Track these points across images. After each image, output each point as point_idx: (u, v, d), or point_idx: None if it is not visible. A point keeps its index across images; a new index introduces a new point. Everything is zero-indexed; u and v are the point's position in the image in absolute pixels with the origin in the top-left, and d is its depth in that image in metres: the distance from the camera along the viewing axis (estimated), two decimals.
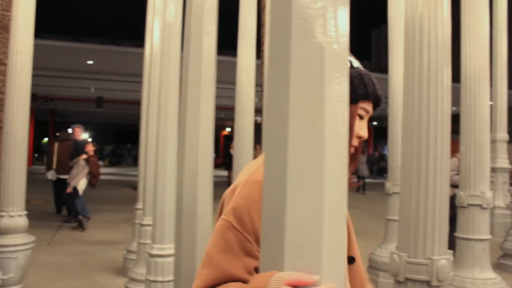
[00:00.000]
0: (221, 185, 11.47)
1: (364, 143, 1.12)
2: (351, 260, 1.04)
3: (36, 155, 31.36)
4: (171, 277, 2.52)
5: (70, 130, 8.64)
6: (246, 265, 0.83)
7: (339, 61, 0.66)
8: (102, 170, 13.02)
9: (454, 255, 2.49)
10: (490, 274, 3.93)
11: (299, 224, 0.64)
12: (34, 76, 3.78)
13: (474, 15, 4.05)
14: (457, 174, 4.80)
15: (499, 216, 7.39)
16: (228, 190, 0.96)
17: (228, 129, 31.27)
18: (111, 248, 5.97)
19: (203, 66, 1.70)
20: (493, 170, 7.01)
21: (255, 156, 1.95)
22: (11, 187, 3.52)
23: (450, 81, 2.42)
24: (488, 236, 3.97)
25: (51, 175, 8.19)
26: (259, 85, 4.19)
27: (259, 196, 0.84)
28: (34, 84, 3.95)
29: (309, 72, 0.65)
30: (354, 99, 0.95)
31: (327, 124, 0.64)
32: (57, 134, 9.43)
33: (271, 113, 0.68)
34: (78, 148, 7.78)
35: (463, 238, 3.96)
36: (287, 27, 0.65)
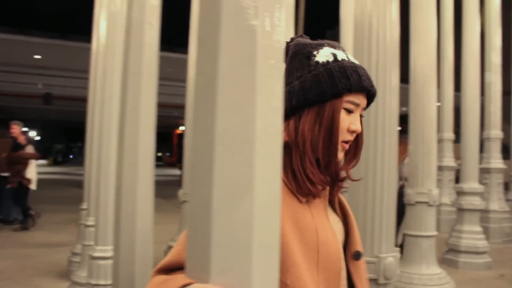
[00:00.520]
0: (174, 185, 11.29)
1: None
2: (357, 255, 1.01)
3: None
4: None
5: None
6: None
7: (273, 48, 0.60)
8: (49, 169, 12.50)
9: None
10: (436, 269, 4.05)
11: (227, 227, 0.58)
12: None
13: (422, 17, 4.15)
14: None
15: (445, 213, 7.67)
16: None
17: (182, 128, 30.93)
18: (56, 251, 5.69)
19: (145, 59, 1.62)
20: (440, 168, 7.27)
21: None
22: None
23: (398, 81, 2.44)
24: (434, 233, 4.08)
25: None
26: None
27: None
28: None
29: (240, 56, 0.59)
30: (336, 93, 0.92)
31: (259, 115, 0.59)
32: None
33: (198, 103, 0.61)
34: (18, 145, 7.48)
35: (411, 235, 4.06)
36: (217, 12, 0.59)
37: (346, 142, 0.95)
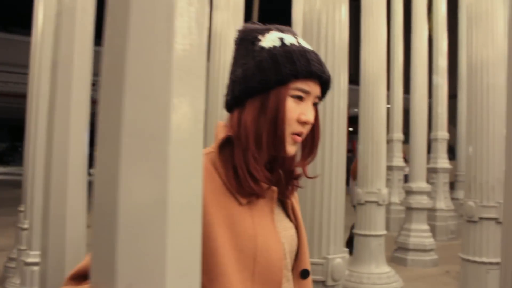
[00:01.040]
0: None
1: None
2: (304, 274, 0.91)
3: None
4: None
5: None
6: None
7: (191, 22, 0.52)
8: None
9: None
10: (385, 268, 4.11)
11: (135, 235, 0.50)
12: None
13: (373, 20, 4.20)
14: None
15: (394, 211, 7.86)
16: None
17: None
18: None
19: (76, 47, 1.49)
20: (390, 168, 7.45)
21: None
22: None
23: (347, 83, 2.42)
24: (384, 232, 4.14)
25: None
26: None
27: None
28: None
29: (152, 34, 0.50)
30: (280, 79, 0.82)
31: (174, 105, 0.50)
32: None
33: (104, 87, 0.52)
34: None
35: (361, 235, 4.10)
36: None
37: (298, 134, 0.86)
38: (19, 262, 3.37)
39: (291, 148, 0.86)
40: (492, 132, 2.96)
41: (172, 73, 0.50)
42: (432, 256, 5.68)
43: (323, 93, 0.91)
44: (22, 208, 3.98)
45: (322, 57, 2.31)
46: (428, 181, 6.35)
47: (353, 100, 4.78)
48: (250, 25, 0.92)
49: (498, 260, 3.00)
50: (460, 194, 8.56)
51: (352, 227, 4.96)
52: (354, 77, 6.41)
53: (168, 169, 0.50)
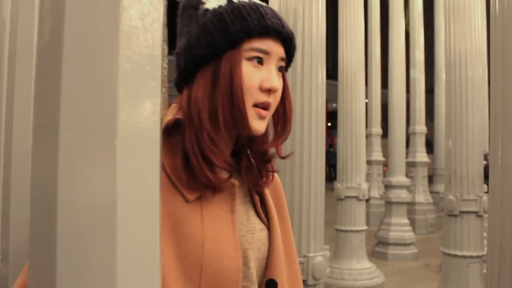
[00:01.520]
0: None
1: None
2: (269, 285, 0.76)
3: None
4: None
5: None
6: None
7: None
8: None
9: None
10: (366, 263, 4.09)
11: (78, 249, 0.42)
12: None
13: (351, 14, 4.17)
14: None
15: (374, 206, 7.90)
16: None
17: None
18: None
19: (20, 38, 1.39)
20: (369, 162, 7.47)
21: None
22: None
23: (325, 78, 2.37)
24: (364, 227, 4.12)
25: None
26: None
27: None
28: None
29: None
30: (230, 40, 0.69)
31: (122, 91, 0.42)
32: None
33: (39, 69, 0.44)
34: None
35: (341, 230, 4.07)
36: None
37: (263, 105, 0.72)
38: None
39: (257, 124, 0.72)
40: (471, 125, 2.96)
41: (119, 52, 0.41)
42: (412, 250, 5.71)
43: (288, 55, 0.77)
44: None
45: (299, 51, 2.25)
46: (406, 175, 6.39)
47: (332, 95, 4.75)
48: None
49: (478, 253, 3.01)
50: (438, 187, 8.65)
51: None
52: (332, 73, 6.39)
53: (117, 168, 0.42)
